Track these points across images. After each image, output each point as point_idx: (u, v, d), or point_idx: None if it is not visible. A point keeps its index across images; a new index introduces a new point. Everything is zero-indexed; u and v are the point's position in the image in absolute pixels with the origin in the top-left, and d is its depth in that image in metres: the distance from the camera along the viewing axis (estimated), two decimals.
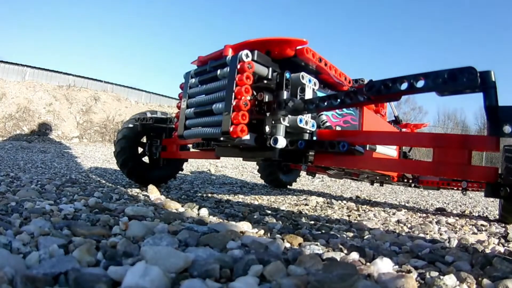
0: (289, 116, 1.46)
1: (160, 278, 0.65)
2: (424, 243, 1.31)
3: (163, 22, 51.72)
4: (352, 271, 0.77)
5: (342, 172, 2.53)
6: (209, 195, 2.65)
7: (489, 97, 1.00)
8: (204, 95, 1.57)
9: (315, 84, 1.51)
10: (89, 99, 11.44)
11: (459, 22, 43.57)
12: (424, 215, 2.54)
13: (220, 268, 0.76)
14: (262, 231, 1.34)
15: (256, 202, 2.44)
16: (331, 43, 51.32)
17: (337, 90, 1.77)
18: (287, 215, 1.95)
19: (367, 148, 1.81)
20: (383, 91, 1.12)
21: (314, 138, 1.54)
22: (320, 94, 1.63)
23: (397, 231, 1.72)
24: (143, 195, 2.24)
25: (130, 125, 2.63)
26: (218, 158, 1.96)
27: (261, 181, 4.70)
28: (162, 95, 14.45)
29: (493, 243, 1.44)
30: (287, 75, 1.46)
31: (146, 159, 2.76)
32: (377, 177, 2.77)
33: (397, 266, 0.95)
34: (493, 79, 0.99)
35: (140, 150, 2.71)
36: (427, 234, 1.67)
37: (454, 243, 1.38)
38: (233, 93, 1.34)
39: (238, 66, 1.36)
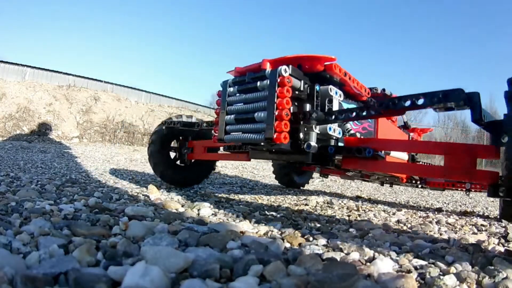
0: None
1: (160, 278, 0.65)
2: (424, 243, 1.31)
3: (163, 22, 51.75)
4: (352, 271, 0.77)
5: (359, 174, 2.66)
6: (209, 195, 2.65)
7: (475, 113, 1.23)
8: (243, 104, 1.69)
9: (340, 96, 1.69)
10: (89, 99, 11.44)
11: (459, 21, 43.55)
12: (424, 215, 2.54)
13: (220, 268, 0.76)
14: (262, 231, 1.34)
15: (256, 202, 2.44)
16: (332, 43, 51.34)
17: (358, 100, 1.95)
18: (287, 215, 1.95)
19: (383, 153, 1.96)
20: (391, 107, 1.37)
21: (340, 144, 1.74)
22: (344, 104, 1.86)
23: (397, 231, 1.72)
24: (143, 195, 2.24)
25: (159, 130, 2.76)
26: (249, 160, 2.12)
27: (261, 181, 4.70)
28: (162, 95, 14.45)
29: (493, 243, 1.44)
30: (317, 87, 1.64)
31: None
32: (387, 178, 2.90)
33: (397, 266, 0.95)
34: (479, 99, 1.22)
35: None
36: (427, 234, 1.66)
37: (454, 243, 1.38)
38: (275, 104, 1.49)
39: (278, 80, 1.51)
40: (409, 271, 0.91)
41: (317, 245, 1.14)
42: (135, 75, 48.75)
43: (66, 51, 46.55)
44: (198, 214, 1.73)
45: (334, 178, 7.15)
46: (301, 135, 1.63)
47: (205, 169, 2.99)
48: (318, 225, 1.72)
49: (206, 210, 1.80)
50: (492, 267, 0.94)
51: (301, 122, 1.60)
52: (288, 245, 1.14)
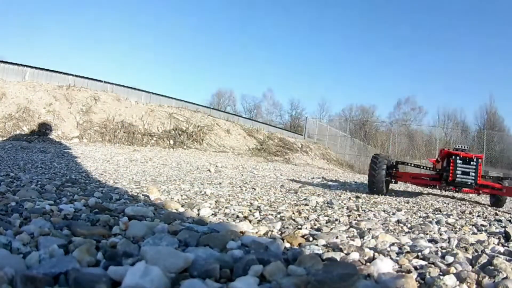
0: None
1: (160, 278, 0.65)
2: (424, 243, 1.31)
3: (163, 22, 51.75)
4: (352, 271, 0.77)
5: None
6: (209, 195, 2.65)
7: None
8: None
9: None
10: (89, 99, 11.43)
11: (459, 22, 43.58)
12: (424, 215, 2.54)
13: (220, 268, 0.77)
14: (262, 231, 1.34)
15: (256, 202, 2.44)
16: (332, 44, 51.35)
17: None
18: (287, 215, 1.95)
19: None
20: None
21: None
22: None
23: (397, 231, 1.72)
24: (143, 195, 2.24)
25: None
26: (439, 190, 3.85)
27: (261, 181, 4.70)
28: (162, 95, 14.43)
29: (493, 243, 1.44)
30: None
31: None
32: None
33: (397, 266, 0.95)
34: None
35: None
36: (427, 234, 1.66)
37: (454, 243, 1.38)
38: None
39: None
40: (409, 271, 0.91)
41: (317, 245, 1.14)
42: (135, 75, 48.71)
43: (66, 51, 46.52)
44: (198, 214, 1.73)
45: (334, 178, 7.16)
46: None
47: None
48: (318, 225, 1.72)
49: (206, 210, 1.80)
50: (492, 267, 0.94)
51: None
52: (288, 245, 1.14)
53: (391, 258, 1.03)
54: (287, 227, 1.57)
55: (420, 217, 2.41)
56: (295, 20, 51.42)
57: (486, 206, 4.56)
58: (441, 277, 0.83)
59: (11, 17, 41.41)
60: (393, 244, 1.28)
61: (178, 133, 12.22)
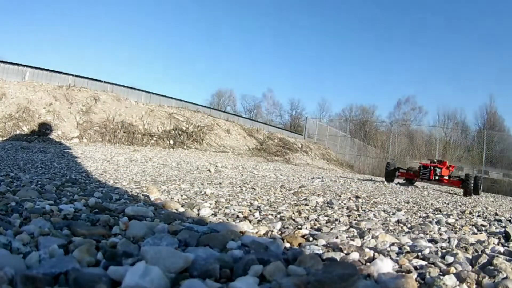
0: None
1: (160, 278, 0.65)
2: (424, 243, 1.31)
3: (163, 22, 51.72)
4: (352, 271, 0.77)
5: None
6: (209, 195, 2.65)
7: None
8: None
9: None
10: (89, 99, 11.43)
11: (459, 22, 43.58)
12: (424, 215, 2.54)
13: (220, 268, 0.77)
14: (262, 231, 1.34)
15: (256, 202, 2.44)
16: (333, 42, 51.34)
17: None
18: (287, 215, 1.95)
19: None
20: None
21: None
22: None
23: (397, 231, 1.72)
24: (143, 195, 2.24)
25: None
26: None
27: (261, 181, 4.70)
28: (162, 95, 14.43)
29: (493, 243, 1.44)
30: None
31: None
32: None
33: (397, 266, 0.95)
34: None
35: None
36: (427, 234, 1.66)
37: (454, 243, 1.38)
38: None
39: None
40: (409, 271, 0.91)
41: (317, 245, 1.14)
42: (135, 75, 48.69)
43: (66, 51, 46.51)
44: (198, 214, 1.73)
45: (334, 178, 7.15)
46: None
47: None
48: (318, 225, 1.72)
49: (206, 210, 1.80)
50: (492, 267, 0.94)
51: None
52: (288, 245, 1.14)
53: (391, 258, 1.03)
54: (287, 227, 1.57)
55: (420, 217, 2.41)
56: (295, 20, 51.43)
57: (485, 206, 4.57)
58: (441, 277, 0.83)
59: (11, 17, 41.41)
60: (393, 244, 1.28)
61: (178, 133, 12.22)
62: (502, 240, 1.63)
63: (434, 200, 4.48)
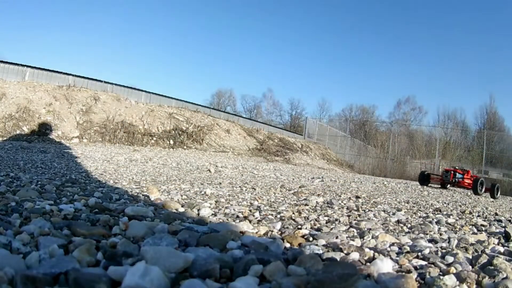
0: None
1: (160, 278, 0.65)
2: (424, 243, 1.31)
3: (163, 22, 51.68)
4: (352, 271, 0.77)
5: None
6: (209, 195, 2.65)
7: None
8: None
9: None
10: (89, 99, 11.43)
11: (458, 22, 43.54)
12: (424, 215, 2.54)
13: (220, 268, 0.77)
14: (262, 231, 1.34)
15: (256, 202, 2.44)
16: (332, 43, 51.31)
17: None
18: (287, 215, 1.95)
19: None
20: None
21: None
22: None
23: (397, 231, 1.72)
24: (143, 195, 2.24)
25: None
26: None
27: (261, 181, 4.70)
28: (162, 95, 14.43)
29: (493, 243, 1.44)
30: None
31: None
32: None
33: (397, 266, 0.95)
34: None
35: None
36: (427, 234, 1.66)
37: (454, 243, 1.38)
38: None
39: None
40: (409, 271, 0.91)
41: (317, 245, 1.14)
42: (135, 75, 48.69)
43: (66, 51, 46.52)
44: (198, 214, 1.73)
45: (334, 178, 7.15)
46: None
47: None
48: (318, 225, 1.72)
49: (206, 210, 1.80)
50: (492, 267, 0.94)
51: None
52: (288, 245, 1.14)
53: (391, 258, 1.03)
54: (287, 227, 1.57)
55: (420, 217, 2.41)
56: (295, 20, 51.42)
57: (485, 206, 4.57)
58: (441, 277, 0.83)
59: (11, 17, 41.40)
60: (393, 244, 1.28)
61: (178, 133, 12.22)
62: (502, 240, 1.63)
63: (434, 200, 4.48)
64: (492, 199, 7.25)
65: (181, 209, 1.76)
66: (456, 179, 8.59)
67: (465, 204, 4.42)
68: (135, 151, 8.83)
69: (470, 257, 1.08)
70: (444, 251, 1.17)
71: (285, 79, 54.78)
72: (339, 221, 1.88)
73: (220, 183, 3.85)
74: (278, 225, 1.54)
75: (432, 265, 0.98)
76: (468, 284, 0.83)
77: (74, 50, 49.06)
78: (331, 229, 1.60)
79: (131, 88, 13.71)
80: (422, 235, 1.62)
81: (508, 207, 5.11)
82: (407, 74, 47.97)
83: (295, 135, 19.67)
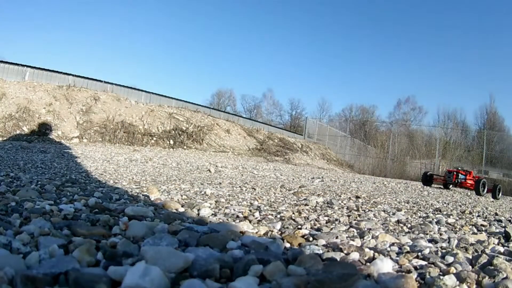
0: None
1: (160, 278, 0.65)
2: (424, 243, 1.31)
3: (163, 22, 51.68)
4: (352, 271, 0.77)
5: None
6: (209, 195, 2.65)
7: None
8: None
9: None
10: (89, 99, 11.42)
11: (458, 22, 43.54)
12: (424, 215, 2.54)
13: (220, 268, 0.77)
14: (262, 231, 1.34)
15: (256, 202, 2.44)
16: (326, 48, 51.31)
17: None
18: (287, 215, 1.95)
19: None
20: None
21: None
22: None
23: (397, 231, 1.72)
24: (143, 195, 2.24)
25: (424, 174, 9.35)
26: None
27: (261, 181, 4.70)
28: (162, 95, 14.42)
29: (493, 243, 1.44)
30: None
31: None
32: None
33: (397, 266, 0.95)
34: None
35: None
36: (427, 234, 1.66)
37: (454, 243, 1.38)
38: None
39: None
40: (409, 271, 0.91)
41: (317, 245, 1.14)
42: (135, 75, 48.69)
43: (66, 51, 46.50)
44: (198, 214, 1.73)
45: (334, 178, 7.15)
46: None
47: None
48: (318, 225, 1.72)
49: (206, 210, 1.80)
50: (492, 267, 0.94)
51: None
52: (288, 245, 1.14)
53: (391, 258, 1.03)
54: (287, 227, 1.57)
55: (420, 217, 2.41)
56: (295, 20, 51.42)
57: (485, 206, 4.57)
58: (441, 277, 0.83)
59: (11, 17, 41.38)
60: (393, 244, 1.28)
61: (178, 133, 12.22)
62: (502, 240, 1.63)
63: (434, 200, 4.48)
64: (492, 199, 7.27)
65: (181, 209, 1.76)
66: (459, 180, 8.71)
67: (465, 204, 4.42)
68: (135, 151, 8.83)
69: (470, 257, 1.08)
70: (444, 251, 1.17)
71: (285, 79, 54.83)
72: (339, 221, 1.88)
73: (220, 183, 3.85)
74: (278, 225, 1.54)
75: (432, 265, 0.98)
76: (468, 284, 0.83)
77: (74, 50, 49.08)
78: (331, 229, 1.60)
79: (131, 88, 13.70)
80: (422, 235, 1.62)
81: (508, 207, 5.11)
82: (407, 74, 47.98)
83: (295, 135, 19.67)
